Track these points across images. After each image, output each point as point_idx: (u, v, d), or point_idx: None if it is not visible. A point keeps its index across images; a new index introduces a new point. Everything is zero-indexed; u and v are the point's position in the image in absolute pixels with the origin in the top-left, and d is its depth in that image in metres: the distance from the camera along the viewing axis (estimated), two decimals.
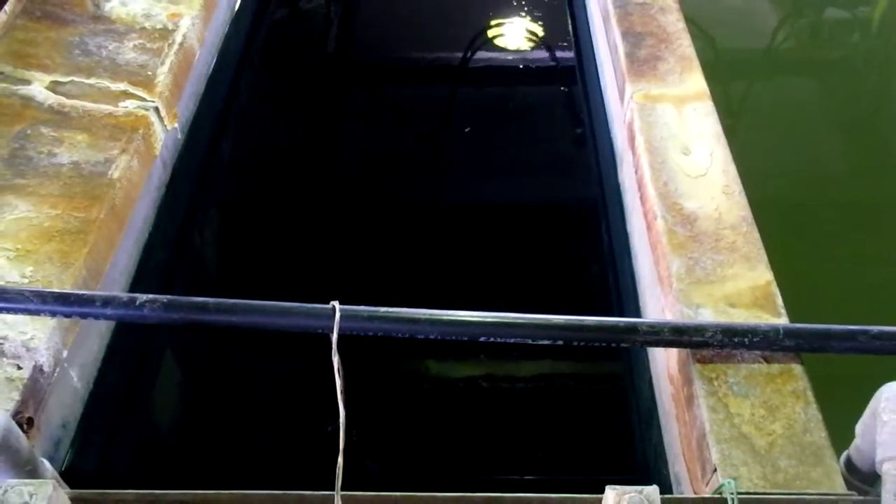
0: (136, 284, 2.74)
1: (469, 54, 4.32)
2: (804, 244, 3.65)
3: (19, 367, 1.98)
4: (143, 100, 2.83)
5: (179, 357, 2.76)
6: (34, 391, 2.02)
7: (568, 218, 3.40)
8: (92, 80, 2.83)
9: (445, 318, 1.95)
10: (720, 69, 4.66)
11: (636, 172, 2.79)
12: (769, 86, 4.93)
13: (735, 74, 4.85)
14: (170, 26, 3.17)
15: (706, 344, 2.01)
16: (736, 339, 2.00)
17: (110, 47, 3.00)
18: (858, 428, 1.80)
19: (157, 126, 2.85)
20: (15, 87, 2.74)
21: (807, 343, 2.05)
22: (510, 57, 4.31)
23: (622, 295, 2.98)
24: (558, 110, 3.99)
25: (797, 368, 2.06)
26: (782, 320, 2.19)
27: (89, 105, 2.74)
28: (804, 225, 3.81)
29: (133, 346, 2.63)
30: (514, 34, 4.42)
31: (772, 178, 3.86)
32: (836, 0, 5.54)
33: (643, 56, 3.16)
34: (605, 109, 3.56)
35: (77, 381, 2.32)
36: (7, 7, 2.98)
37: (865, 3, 5.52)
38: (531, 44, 4.39)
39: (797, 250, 3.51)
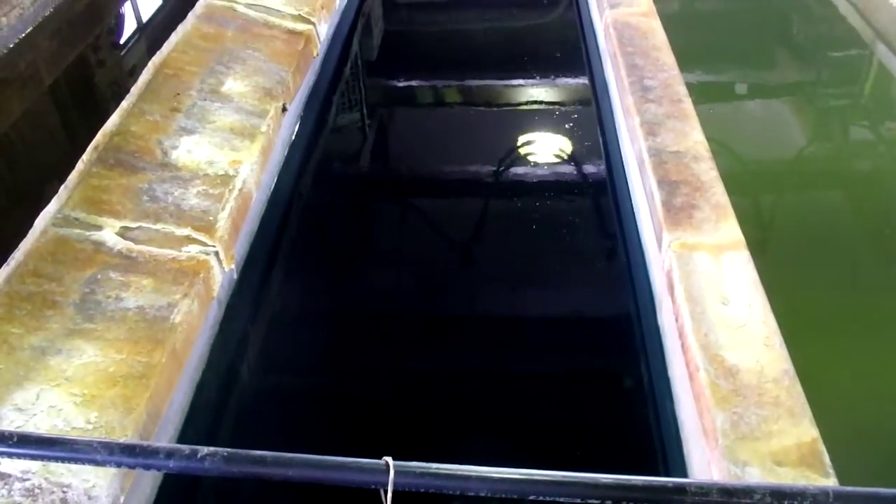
0: (189, 422, 2.83)
1: (501, 172, 4.52)
2: (842, 363, 3.60)
3: None
4: (205, 244, 3.00)
5: (228, 495, 2.80)
6: None
7: (609, 360, 3.44)
8: (158, 226, 3.01)
9: (496, 475, 1.98)
10: (746, 182, 4.77)
11: (676, 321, 2.85)
12: (797, 200, 5.00)
13: (761, 188, 4.93)
14: (231, 172, 3.38)
15: None
16: (786, 503, 2.01)
17: (176, 193, 3.19)
18: None
19: (215, 269, 3.00)
20: (88, 233, 2.92)
21: None
22: (545, 189, 4.48)
23: (665, 441, 2.99)
24: (596, 250, 4.11)
25: None
26: (831, 480, 2.19)
27: (155, 250, 2.91)
28: (841, 345, 3.77)
29: (184, 488, 2.68)
30: (550, 168, 4.61)
31: (803, 291, 3.86)
32: (862, 115, 5.70)
33: (679, 204, 3.28)
34: (642, 252, 3.66)
35: None
36: (84, 157, 3.22)
37: (891, 119, 5.67)
38: (566, 180, 4.58)
39: (835, 367, 3.46)
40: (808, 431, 2.34)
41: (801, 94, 5.99)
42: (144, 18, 6.49)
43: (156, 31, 6.10)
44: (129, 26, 6.42)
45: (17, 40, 5.56)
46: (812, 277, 3.97)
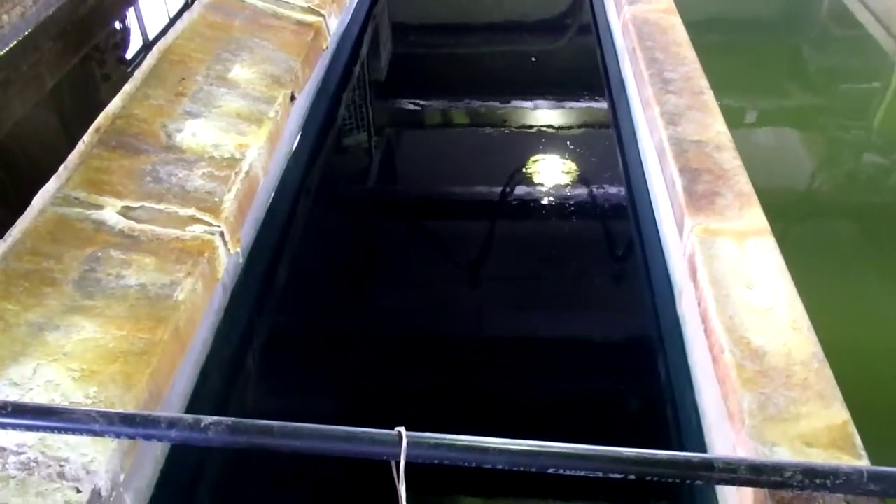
0: (192, 408, 2.72)
1: (513, 188, 4.42)
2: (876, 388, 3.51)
3: (78, 491, 1.94)
4: (210, 224, 2.91)
5: (231, 483, 2.69)
6: None
7: (624, 351, 3.34)
8: (162, 206, 2.93)
9: (513, 447, 1.88)
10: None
11: (699, 305, 2.75)
12: (808, 226, 4.91)
13: (774, 214, 4.84)
14: (237, 155, 3.29)
15: (785, 484, 1.90)
16: (818, 481, 1.89)
17: (180, 175, 3.11)
18: None
19: (221, 250, 2.91)
20: (88, 212, 2.83)
21: (893, 488, 1.93)
22: (560, 191, 4.39)
23: (683, 430, 2.88)
24: (610, 244, 4.02)
25: None
26: (863, 462, 2.09)
27: (158, 229, 2.82)
28: (871, 368, 3.68)
29: (186, 471, 2.58)
30: (565, 170, 4.53)
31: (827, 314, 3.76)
32: (873, 145, 5.62)
33: (701, 191, 3.18)
34: (660, 243, 3.56)
35: None
36: (85, 137, 3.14)
37: None
38: (582, 179, 4.48)
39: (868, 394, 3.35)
40: (839, 414, 2.23)
41: (827, 117, 5.90)
42: (148, 27, 6.46)
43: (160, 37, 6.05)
44: (134, 31, 6.39)
45: (18, 39, 5.52)
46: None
